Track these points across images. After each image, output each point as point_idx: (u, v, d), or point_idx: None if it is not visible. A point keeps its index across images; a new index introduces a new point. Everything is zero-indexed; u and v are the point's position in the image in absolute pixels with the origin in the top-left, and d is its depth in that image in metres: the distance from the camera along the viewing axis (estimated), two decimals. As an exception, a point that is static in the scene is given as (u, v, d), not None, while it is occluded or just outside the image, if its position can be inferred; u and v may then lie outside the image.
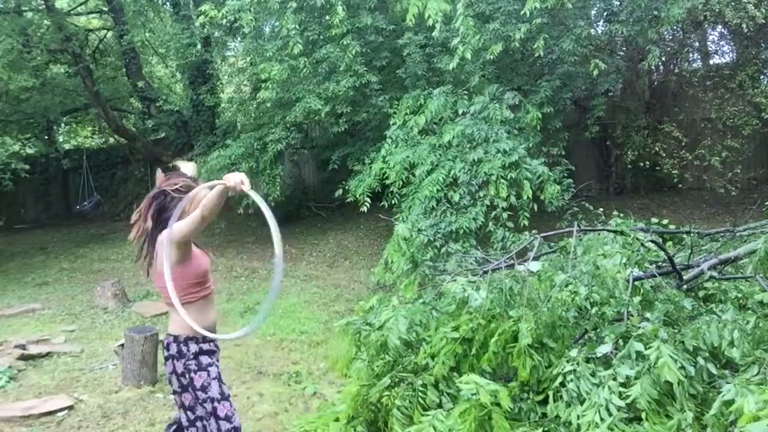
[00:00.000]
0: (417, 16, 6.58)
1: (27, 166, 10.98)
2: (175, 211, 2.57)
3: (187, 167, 2.83)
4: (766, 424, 2.04)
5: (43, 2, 11.42)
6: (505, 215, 6.27)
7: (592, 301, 3.06)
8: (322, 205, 11.94)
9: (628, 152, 9.58)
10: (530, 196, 6.39)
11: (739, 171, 9.26)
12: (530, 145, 7.09)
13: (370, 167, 7.44)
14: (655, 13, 7.87)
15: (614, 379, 2.55)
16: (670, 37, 9.76)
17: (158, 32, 13.39)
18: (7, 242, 13.32)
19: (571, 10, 7.66)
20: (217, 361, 2.79)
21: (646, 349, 2.56)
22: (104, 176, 15.42)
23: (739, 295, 3.44)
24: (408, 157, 6.93)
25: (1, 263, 11.29)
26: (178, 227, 2.53)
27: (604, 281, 3.11)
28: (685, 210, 9.66)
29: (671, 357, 2.44)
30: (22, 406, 4.34)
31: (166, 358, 2.71)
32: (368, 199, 7.29)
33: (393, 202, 7.06)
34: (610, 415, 2.44)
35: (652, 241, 3.77)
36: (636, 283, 3.20)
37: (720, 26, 9.63)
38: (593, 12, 9.22)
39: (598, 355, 2.77)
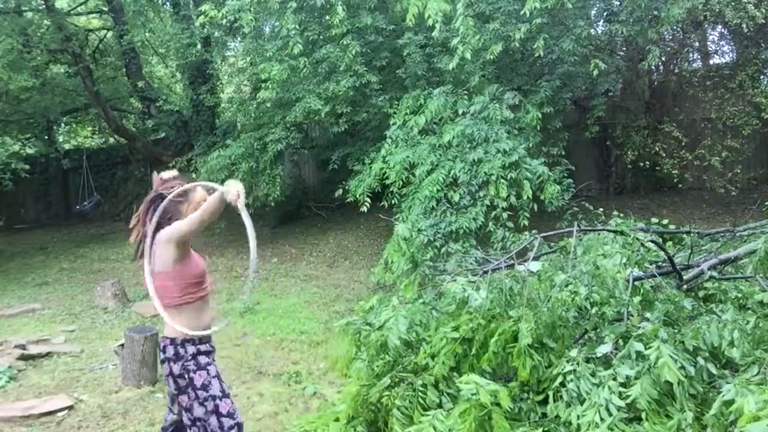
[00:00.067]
0: (417, 16, 6.58)
1: (27, 166, 10.98)
2: (173, 214, 2.62)
3: (169, 175, 2.85)
4: (766, 424, 2.04)
5: (43, 2, 11.42)
6: (505, 215, 6.26)
7: (592, 301, 3.06)
8: (322, 205, 11.94)
9: (628, 152, 9.58)
10: (530, 196, 6.39)
11: (739, 171, 9.26)
12: (530, 145, 7.09)
13: (370, 167, 7.44)
14: (655, 13, 7.87)
15: (614, 379, 2.55)
16: (670, 37, 9.76)
17: (158, 32, 13.39)
18: (7, 242, 13.32)
19: (571, 10, 7.66)
20: (213, 360, 2.81)
21: (646, 349, 2.56)
22: (104, 176, 15.41)
23: (739, 295, 3.45)
24: (408, 157, 6.93)
25: (1, 263, 11.29)
26: (178, 226, 2.56)
27: (604, 281, 3.11)
28: (685, 210, 9.66)
29: (671, 357, 2.44)
30: (22, 406, 4.34)
31: (163, 361, 2.72)
32: (368, 199, 7.29)
33: (393, 202, 7.06)
34: (610, 415, 2.44)
35: (652, 241, 3.77)
36: (636, 283, 3.20)
37: (720, 26, 9.63)
38: (593, 12, 9.22)
39: (598, 355, 2.77)
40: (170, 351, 2.68)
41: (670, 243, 4.81)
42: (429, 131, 7.32)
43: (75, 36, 12.05)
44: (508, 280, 3.19)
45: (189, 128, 12.54)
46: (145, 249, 2.66)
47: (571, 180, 6.86)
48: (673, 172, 9.23)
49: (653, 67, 9.13)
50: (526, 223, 6.30)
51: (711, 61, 10.45)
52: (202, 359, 2.72)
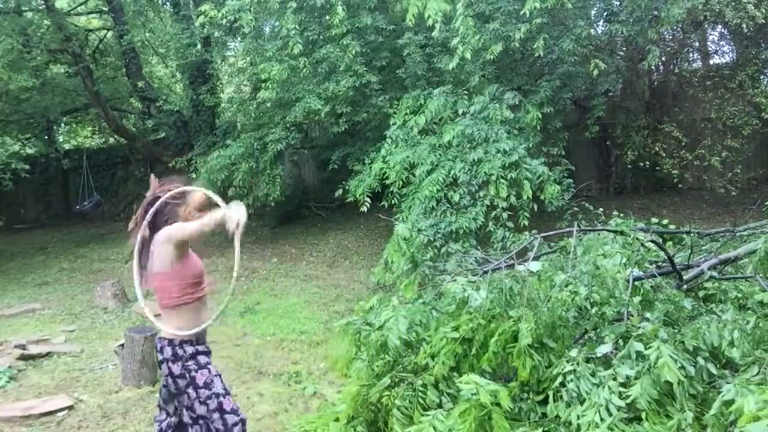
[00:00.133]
0: (417, 16, 6.58)
1: (27, 166, 10.99)
2: (170, 216, 2.68)
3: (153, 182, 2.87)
4: (766, 424, 2.04)
5: (43, 2, 11.42)
6: (505, 215, 6.27)
7: (592, 301, 3.06)
8: (322, 205, 11.93)
9: (628, 152, 9.58)
10: (530, 196, 6.39)
11: (739, 171, 9.26)
12: (530, 145, 7.09)
13: (370, 167, 7.44)
14: (655, 13, 7.87)
15: (614, 379, 2.55)
16: (670, 37, 9.76)
17: (158, 32, 13.39)
18: (7, 242, 13.32)
19: (571, 10, 7.66)
20: (211, 360, 2.83)
21: (646, 349, 2.56)
22: (104, 176, 15.41)
23: (739, 295, 3.45)
24: (408, 157, 6.93)
25: (1, 263, 11.29)
26: (176, 230, 2.58)
27: (604, 281, 3.11)
28: (685, 210, 9.66)
29: (671, 357, 2.44)
30: (22, 406, 4.34)
31: (161, 362, 2.72)
32: (368, 199, 7.29)
33: (393, 202, 7.06)
34: (610, 415, 2.44)
35: (652, 241, 3.77)
36: (636, 283, 3.20)
37: (720, 26, 9.63)
38: (593, 12, 9.22)
39: (598, 355, 2.77)
40: (168, 352, 2.68)
41: (670, 243, 4.81)
42: (429, 131, 7.32)
43: (75, 36, 12.05)
44: (508, 280, 3.19)
45: (189, 128, 12.54)
46: (135, 251, 2.69)
47: (571, 180, 6.86)
48: (673, 172, 9.23)
49: (653, 67, 9.13)
50: (526, 223, 6.30)
51: (711, 61, 10.45)
52: (202, 359, 2.73)
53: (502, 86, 7.50)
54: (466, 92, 7.39)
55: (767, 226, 4.85)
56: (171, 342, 2.69)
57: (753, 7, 7.45)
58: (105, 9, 13.29)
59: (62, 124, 16.79)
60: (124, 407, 4.37)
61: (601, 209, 5.26)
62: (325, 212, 11.78)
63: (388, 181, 7.05)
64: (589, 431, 2.43)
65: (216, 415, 2.66)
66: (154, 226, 2.69)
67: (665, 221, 5.47)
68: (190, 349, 2.70)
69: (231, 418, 2.67)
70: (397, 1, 9.69)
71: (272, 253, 10.03)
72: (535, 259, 3.73)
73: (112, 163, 15.74)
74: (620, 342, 2.80)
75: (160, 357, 2.71)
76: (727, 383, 2.37)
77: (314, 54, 8.27)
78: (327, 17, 8.08)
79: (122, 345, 4.88)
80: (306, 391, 4.58)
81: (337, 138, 9.94)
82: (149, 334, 4.88)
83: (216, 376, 2.75)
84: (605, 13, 8.99)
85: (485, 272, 3.79)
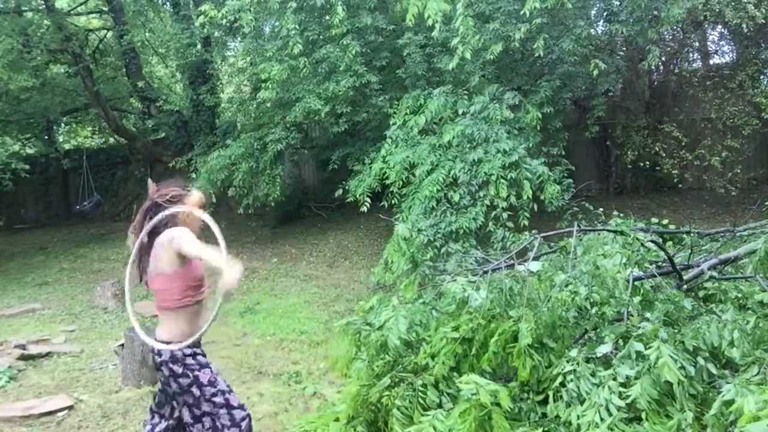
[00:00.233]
0: (417, 16, 6.58)
1: (27, 166, 11.00)
2: (169, 221, 2.69)
3: (151, 187, 2.90)
4: (766, 424, 2.04)
5: (43, 2, 11.42)
6: (505, 215, 6.26)
7: (592, 301, 3.06)
8: (322, 205, 11.94)
9: (628, 152, 9.58)
10: (530, 196, 6.39)
11: (739, 171, 9.26)
12: (530, 145, 7.09)
13: (370, 167, 7.44)
14: (655, 13, 7.87)
15: (614, 379, 2.55)
16: (670, 37, 9.75)
17: (158, 32, 13.39)
18: (7, 242, 13.32)
19: (571, 10, 7.66)
20: None
21: (646, 349, 2.56)
22: (104, 176, 15.41)
23: (739, 295, 3.45)
24: (408, 157, 6.93)
25: (1, 263, 11.29)
26: (182, 242, 2.58)
27: (604, 281, 3.11)
28: (685, 210, 9.66)
29: (671, 357, 2.44)
30: (22, 406, 4.34)
31: (159, 364, 2.72)
32: (368, 199, 7.29)
33: (393, 202, 7.06)
34: (610, 415, 2.44)
35: (652, 241, 3.77)
36: (636, 283, 3.20)
37: (720, 26, 9.63)
38: (593, 12, 9.22)
39: (598, 355, 2.77)
40: (166, 354, 2.69)
41: (670, 243, 4.80)
42: (429, 131, 7.32)
43: (75, 36, 12.05)
44: (508, 280, 3.19)
45: (189, 128, 12.54)
46: (130, 262, 2.72)
47: (571, 180, 6.86)
48: (673, 172, 9.23)
49: (653, 67, 9.13)
50: (526, 223, 6.30)
51: (711, 61, 10.45)
52: (201, 358, 2.77)
53: (502, 86, 7.50)
54: (466, 92, 7.39)
55: (767, 226, 4.85)
56: (169, 344, 2.70)
57: (753, 7, 7.45)
58: (105, 9, 13.29)
59: (62, 124, 16.80)
60: (124, 407, 4.37)
61: (601, 209, 5.26)
62: (325, 212, 11.78)
63: (388, 181, 7.05)
64: (589, 431, 2.43)
65: (223, 411, 2.70)
66: (154, 231, 2.70)
67: (665, 221, 5.47)
68: (188, 351, 2.71)
69: (239, 413, 2.72)
70: (397, 1, 9.69)
71: (272, 253, 10.03)
72: (535, 259, 3.73)
73: (112, 163, 15.74)
74: (620, 342, 2.80)
75: (159, 359, 2.71)
76: (727, 383, 2.37)
77: (314, 54, 8.27)
78: (327, 17, 8.08)
79: (122, 345, 4.88)
80: (306, 391, 4.58)
81: (337, 138, 9.94)
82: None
83: (218, 374, 2.79)
84: (605, 13, 8.99)
85: (485, 272, 3.79)
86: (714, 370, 2.60)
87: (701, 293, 3.66)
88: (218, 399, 2.70)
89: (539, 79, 8.46)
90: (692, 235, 4.73)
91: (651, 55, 7.71)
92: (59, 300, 8.34)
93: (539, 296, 3.13)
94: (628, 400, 2.46)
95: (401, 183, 6.92)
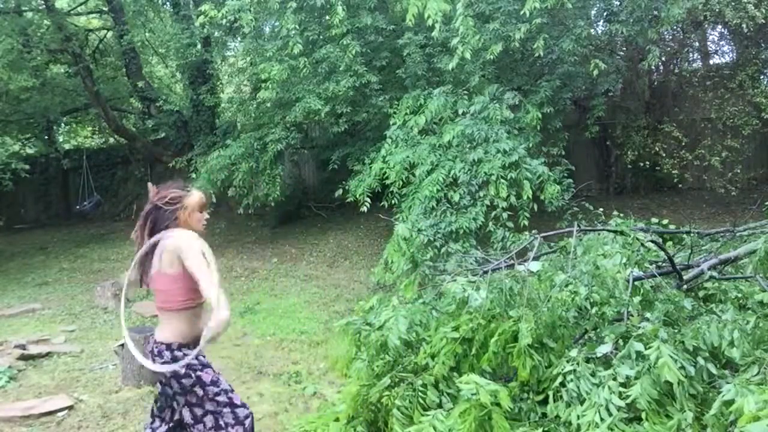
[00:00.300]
0: (417, 16, 6.58)
1: (27, 166, 10.99)
2: (169, 222, 2.70)
3: (151, 190, 2.90)
4: (766, 424, 2.04)
5: (43, 2, 11.42)
6: (505, 215, 6.26)
7: (592, 301, 3.05)
8: (322, 205, 11.94)
9: (628, 152, 9.58)
10: (530, 196, 6.39)
11: (739, 171, 9.26)
12: (530, 145, 7.09)
13: (370, 167, 7.44)
14: (655, 13, 7.87)
15: (614, 379, 2.55)
16: (670, 37, 9.75)
17: (158, 32, 13.39)
18: (7, 242, 13.32)
19: (571, 10, 7.66)
20: None
21: (646, 349, 2.56)
22: (104, 176, 15.42)
23: (739, 295, 3.44)
24: (408, 157, 6.93)
25: (1, 263, 11.29)
26: (190, 261, 2.56)
27: (604, 281, 3.11)
28: (685, 210, 9.66)
29: (671, 357, 2.44)
30: (22, 406, 4.34)
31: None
32: (368, 199, 7.29)
33: (393, 202, 7.06)
34: (610, 415, 2.44)
35: (652, 241, 3.77)
36: (636, 283, 3.20)
37: (720, 26, 9.62)
38: (593, 12, 9.22)
39: (598, 355, 2.77)
40: (167, 355, 2.69)
41: (670, 243, 4.80)
42: (429, 131, 7.32)
43: (75, 36, 12.05)
44: (508, 280, 3.19)
45: (189, 128, 12.54)
46: (134, 261, 2.71)
47: (571, 180, 6.86)
48: (673, 172, 9.23)
49: (653, 67, 9.13)
50: (526, 223, 6.30)
51: (711, 61, 10.44)
52: (202, 358, 2.78)
53: (502, 86, 7.50)
54: (466, 92, 7.39)
55: (767, 226, 4.85)
56: (169, 346, 2.70)
57: (753, 7, 7.45)
58: (105, 9, 13.29)
59: (62, 124, 16.80)
60: (124, 407, 4.37)
61: (601, 209, 5.26)
62: (325, 212, 11.78)
63: (388, 181, 7.05)
64: (589, 431, 2.43)
65: (226, 410, 2.72)
66: (155, 231, 2.70)
67: (665, 221, 5.47)
68: (188, 350, 2.71)
69: (242, 412, 2.74)
70: (397, 1, 9.69)
71: (272, 253, 10.03)
72: (535, 259, 3.73)
73: (112, 163, 15.74)
74: (620, 342, 2.80)
75: (160, 361, 2.71)
76: (727, 383, 2.37)
77: (314, 54, 8.27)
78: (327, 17, 8.08)
79: (122, 345, 4.87)
80: (306, 391, 4.58)
81: (337, 138, 9.94)
82: (149, 334, 4.86)
83: (219, 374, 2.81)
84: (605, 13, 8.99)
85: (485, 272, 3.79)
86: (714, 370, 2.60)
87: (701, 293, 3.66)
88: (221, 398, 2.72)
89: (539, 79, 8.46)
90: (692, 235, 4.73)
91: (651, 55, 7.71)
92: (59, 300, 8.34)
93: (539, 296, 3.13)
94: (628, 400, 2.46)
95: (401, 183, 6.92)
